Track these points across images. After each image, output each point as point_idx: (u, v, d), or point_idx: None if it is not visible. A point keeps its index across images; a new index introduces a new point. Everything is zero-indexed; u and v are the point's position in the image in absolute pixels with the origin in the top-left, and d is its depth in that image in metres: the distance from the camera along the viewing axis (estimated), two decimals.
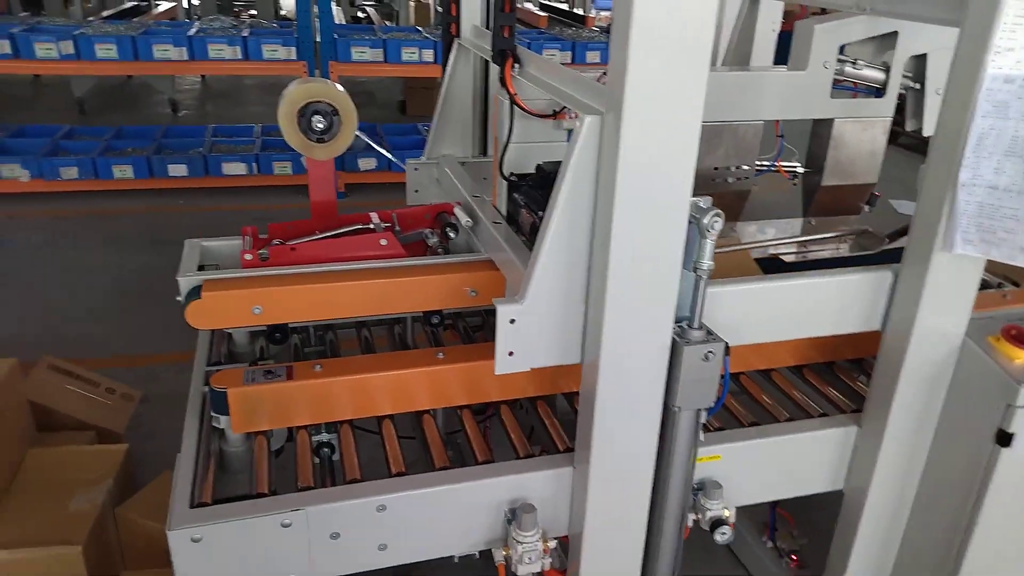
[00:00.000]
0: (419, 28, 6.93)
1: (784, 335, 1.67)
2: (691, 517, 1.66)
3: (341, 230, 1.86)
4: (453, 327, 2.07)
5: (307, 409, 1.63)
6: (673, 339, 1.43)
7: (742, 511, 2.31)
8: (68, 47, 5.22)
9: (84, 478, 2.15)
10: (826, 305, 1.62)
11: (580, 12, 12.49)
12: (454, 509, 1.55)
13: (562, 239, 1.39)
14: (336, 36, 5.61)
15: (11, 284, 4.25)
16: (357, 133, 1.89)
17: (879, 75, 1.96)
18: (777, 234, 2.09)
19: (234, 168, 5.62)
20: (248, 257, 1.74)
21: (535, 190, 1.76)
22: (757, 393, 1.90)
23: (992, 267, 1.90)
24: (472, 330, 2.07)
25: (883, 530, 1.73)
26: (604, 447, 1.48)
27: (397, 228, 1.94)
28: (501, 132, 1.80)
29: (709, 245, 1.37)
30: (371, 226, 1.90)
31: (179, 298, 1.61)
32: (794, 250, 2.03)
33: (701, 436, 1.52)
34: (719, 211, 1.36)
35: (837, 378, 1.99)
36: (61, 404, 2.59)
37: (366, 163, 5.79)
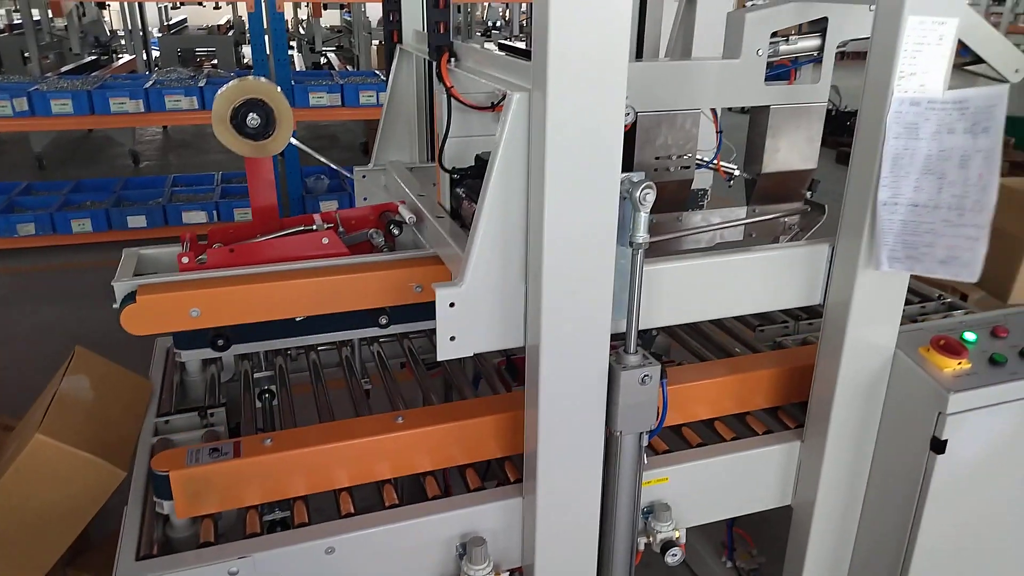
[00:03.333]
0: (376, 72, 7.02)
1: (725, 312, 1.70)
2: (642, 540, 1.67)
3: (282, 232, 1.85)
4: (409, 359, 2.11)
5: (258, 488, 1.54)
6: (610, 364, 1.45)
7: (700, 531, 2.32)
8: (22, 104, 5.21)
9: None
10: (765, 280, 1.64)
11: None
12: (404, 547, 1.55)
13: (497, 218, 1.39)
14: (294, 82, 5.67)
15: None
16: (293, 141, 1.89)
17: (814, 42, 1.92)
18: (722, 221, 2.10)
19: (194, 216, 5.61)
20: (185, 260, 1.71)
21: (475, 180, 1.74)
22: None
23: (929, 279, 1.95)
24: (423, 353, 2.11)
25: (833, 542, 1.76)
26: (549, 474, 1.49)
27: (341, 229, 1.94)
28: (440, 126, 1.80)
29: (643, 218, 1.37)
30: (313, 227, 1.89)
31: (115, 305, 1.58)
32: (741, 236, 2.04)
33: (645, 459, 1.54)
34: (651, 183, 1.36)
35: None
36: None
37: (327, 205, 5.81)
